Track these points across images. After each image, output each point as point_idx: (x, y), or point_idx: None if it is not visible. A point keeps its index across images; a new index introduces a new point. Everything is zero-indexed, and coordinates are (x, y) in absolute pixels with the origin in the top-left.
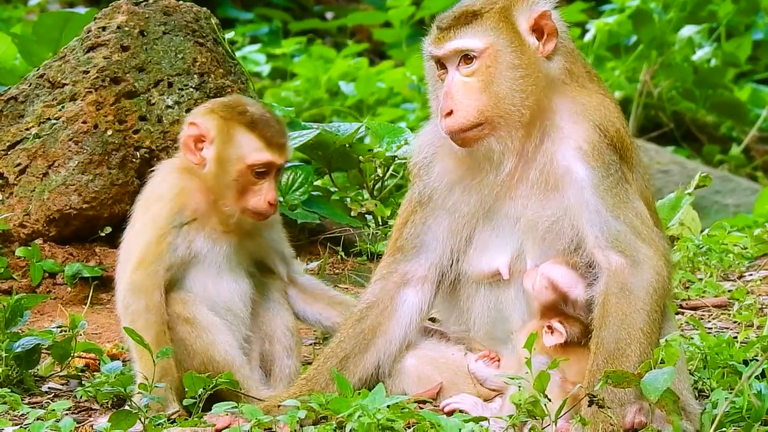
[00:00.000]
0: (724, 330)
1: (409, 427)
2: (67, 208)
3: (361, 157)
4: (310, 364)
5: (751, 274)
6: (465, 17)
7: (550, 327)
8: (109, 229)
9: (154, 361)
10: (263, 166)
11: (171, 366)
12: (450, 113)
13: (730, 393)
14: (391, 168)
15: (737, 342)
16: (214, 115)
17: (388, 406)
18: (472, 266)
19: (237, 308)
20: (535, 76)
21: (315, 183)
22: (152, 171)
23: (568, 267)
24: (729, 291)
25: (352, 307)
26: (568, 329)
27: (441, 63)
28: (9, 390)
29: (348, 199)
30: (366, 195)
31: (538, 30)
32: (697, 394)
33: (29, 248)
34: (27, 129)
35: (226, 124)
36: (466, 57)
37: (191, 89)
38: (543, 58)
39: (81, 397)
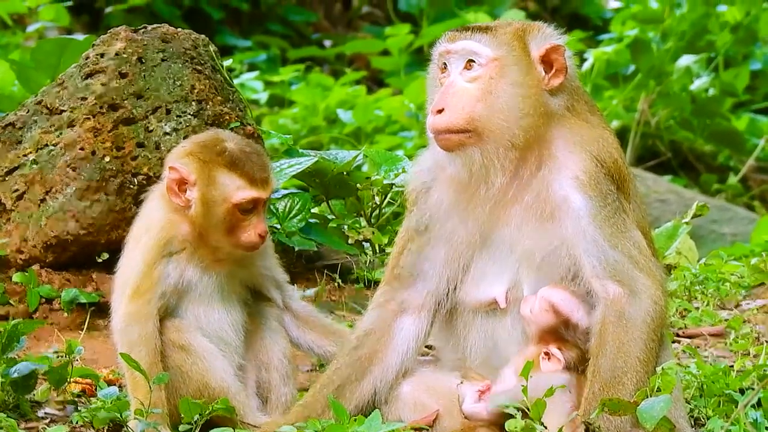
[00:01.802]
0: (721, 359)
1: None
2: (65, 234)
3: (358, 185)
4: (306, 390)
5: (747, 303)
6: (481, 28)
7: (547, 353)
8: (106, 255)
9: (150, 387)
10: (249, 203)
11: (162, 397)
12: (440, 111)
13: (726, 422)
14: (389, 196)
15: (733, 371)
16: (193, 158)
17: None
18: (469, 295)
19: (229, 338)
20: (534, 100)
21: (312, 210)
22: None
23: (567, 291)
24: (725, 320)
25: (347, 336)
26: (565, 355)
27: (446, 66)
28: (5, 415)
29: (345, 227)
30: (363, 222)
31: (547, 62)
32: (693, 423)
33: (26, 274)
34: (25, 155)
35: (206, 166)
36: (472, 62)
37: (189, 116)
38: (546, 90)
39: (77, 423)
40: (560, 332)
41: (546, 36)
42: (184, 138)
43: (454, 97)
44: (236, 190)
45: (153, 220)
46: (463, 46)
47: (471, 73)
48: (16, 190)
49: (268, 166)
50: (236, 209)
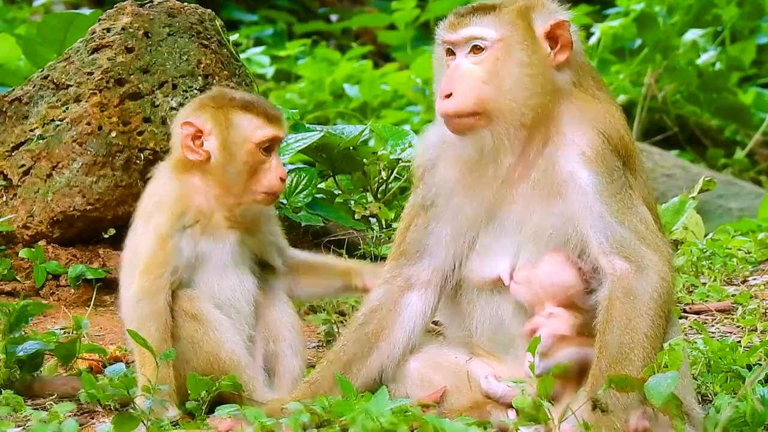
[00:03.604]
0: (728, 334)
1: (413, 431)
2: (71, 209)
3: (365, 160)
4: (313, 367)
5: (755, 279)
6: (483, 9)
7: (551, 313)
8: (112, 231)
9: (157, 363)
10: (268, 141)
11: (170, 374)
12: (449, 96)
13: (734, 398)
14: (395, 171)
15: (741, 346)
16: (207, 108)
17: (391, 410)
18: (474, 272)
19: (241, 306)
20: (542, 78)
21: (319, 185)
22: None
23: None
24: (732, 295)
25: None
26: (570, 318)
27: (451, 50)
28: (12, 392)
29: (352, 202)
30: (370, 198)
31: (552, 38)
32: (700, 399)
33: (33, 250)
34: (31, 130)
35: (221, 112)
36: (477, 47)
37: (196, 91)
38: (553, 66)
39: (84, 400)
40: (565, 294)
41: (550, 12)
42: None
43: (462, 81)
44: (255, 129)
45: (164, 195)
46: (467, 34)
47: (477, 57)
48: (23, 166)
49: (277, 108)
50: (258, 149)
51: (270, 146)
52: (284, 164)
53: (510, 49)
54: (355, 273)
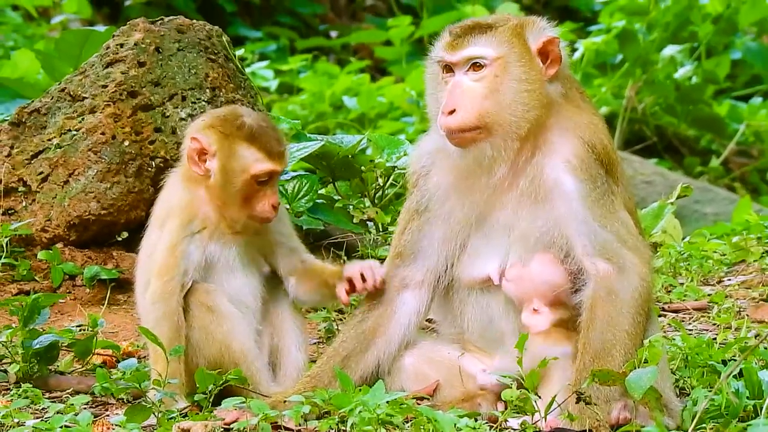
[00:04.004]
0: (704, 332)
1: (407, 422)
2: (87, 214)
3: (363, 167)
4: (314, 361)
5: (729, 279)
6: (480, 28)
7: (536, 310)
8: (125, 234)
9: (167, 359)
10: (265, 175)
11: (180, 369)
12: (452, 112)
13: (710, 391)
14: (391, 177)
15: (716, 343)
16: (214, 130)
17: (387, 402)
18: (465, 272)
19: (249, 301)
20: (538, 93)
21: (319, 191)
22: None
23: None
24: (709, 295)
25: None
26: (555, 313)
27: (449, 67)
28: (30, 385)
29: (350, 207)
30: (367, 203)
31: (543, 54)
32: (678, 392)
33: (50, 252)
34: (49, 140)
35: (226, 139)
36: (476, 64)
37: (204, 103)
38: (546, 80)
39: (98, 393)
40: (553, 291)
41: (541, 29)
42: None
43: (463, 97)
44: (255, 162)
45: (174, 202)
46: (467, 55)
47: (477, 74)
48: (41, 173)
49: (283, 140)
50: (253, 180)
51: (268, 178)
52: (287, 171)
53: (508, 66)
54: (331, 278)
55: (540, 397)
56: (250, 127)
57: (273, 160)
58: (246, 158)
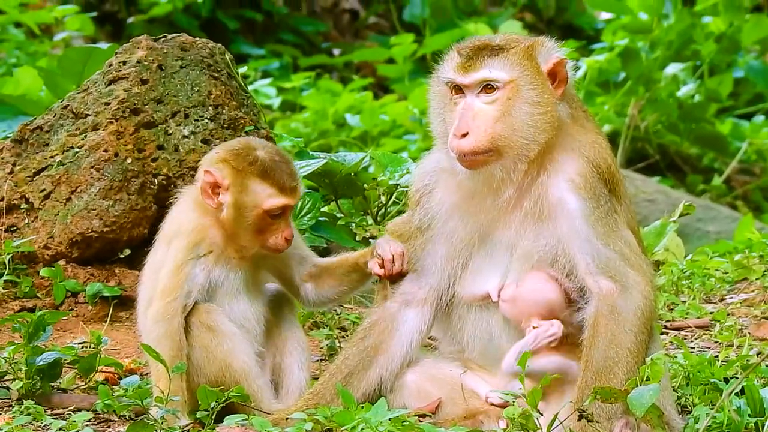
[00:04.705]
0: (706, 349)
1: None
2: (89, 231)
3: (365, 185)
4: (317, 379)
5: (731, 297)
6: (492, 50)
7: (534, 327)
8: (128, 251)
9: (169, 376)
10: (278, 209)
11: (182, 386)
12: (465, 135)
13: (712, 409)
14: (394, 195)
15: (718, 361)
16: (227, 165)
17: (389, 420)
18: (465, 289)
19: (251, 326)
20: (550, 115)
21: (322, 209)
22: (172, 197)
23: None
24: (711, 313)
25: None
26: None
27: (458, 88)
28: (32, 402)
29: (353, 225)
30: (370, 220)
31: (552, 75)
32: (680, 410)
33: (53, 269)
34: (51, 157)
35: (239, 174)
36: (488, 86)
37: (206, 120)
38: (556, 101)
39: (101, 410)
40: (549, 309)
41: (550, 50)
42: (202, 141)
43: (476, 120)
44: (267, 197)
45: (183, 224)
46: (480, 77)
47: (489, 97)
48: (44, 190)
49: (296, 174)
50: (266, 215)
51: (281, 212)
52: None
53: (521, 89)
54: (362, 258)
55: (542, 415)
56: (263, 162)
57: (285, 195)
58: (258, 193)
